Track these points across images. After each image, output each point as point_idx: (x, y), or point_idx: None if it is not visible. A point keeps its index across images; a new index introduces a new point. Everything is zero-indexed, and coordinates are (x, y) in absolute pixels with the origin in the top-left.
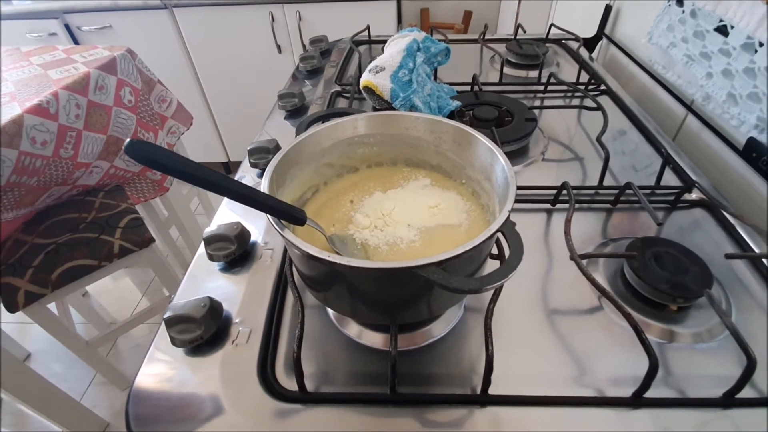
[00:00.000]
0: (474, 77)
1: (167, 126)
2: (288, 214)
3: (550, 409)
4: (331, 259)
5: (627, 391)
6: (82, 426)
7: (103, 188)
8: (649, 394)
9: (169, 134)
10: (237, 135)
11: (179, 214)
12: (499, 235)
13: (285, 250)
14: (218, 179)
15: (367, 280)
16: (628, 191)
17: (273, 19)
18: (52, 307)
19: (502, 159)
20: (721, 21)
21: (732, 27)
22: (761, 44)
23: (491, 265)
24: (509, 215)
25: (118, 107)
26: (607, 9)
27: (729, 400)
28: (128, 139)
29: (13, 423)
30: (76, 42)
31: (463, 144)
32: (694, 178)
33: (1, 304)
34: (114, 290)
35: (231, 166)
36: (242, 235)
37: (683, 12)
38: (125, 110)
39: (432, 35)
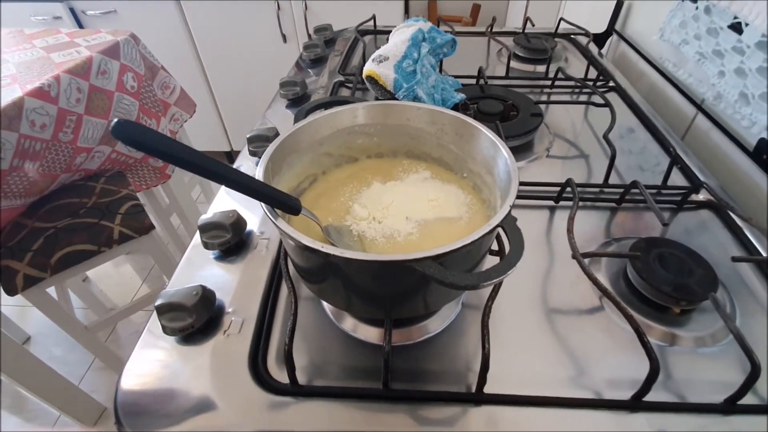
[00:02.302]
0: (480, 70)
1: (170, 113)
2: (282, 203)
3: (547, 410)
4: (324, 250)
5: (626, 394)
6: (80, 410)
7: (104, 173)
8: (649, 397)
9: (171, 121)
10: (240, 124)
11: (180, 202)
12: (500, 231)
13: (281, 240)
14: (210, 164)
15: (361, 272)
16: (633, 190)
17: (279, 8)
18: (51, 291)
19: (504, 152)
20: (735, 18)
21: (747, 24)
22: None
23: (491, 262)
24: (511, 210)
25: (121, 92)
26: (619, 4)
27: (730, 407)
28: (115, 119)
29: (11, 405)
30: (80, 26)
31: (465, 136)
32: (701, 178)
33: (1, 287)
34: (114, 276)
35: (233, 155)
36: (238, 223)
37: (697, 8)
38: (128, 96)
39: (439, 26)
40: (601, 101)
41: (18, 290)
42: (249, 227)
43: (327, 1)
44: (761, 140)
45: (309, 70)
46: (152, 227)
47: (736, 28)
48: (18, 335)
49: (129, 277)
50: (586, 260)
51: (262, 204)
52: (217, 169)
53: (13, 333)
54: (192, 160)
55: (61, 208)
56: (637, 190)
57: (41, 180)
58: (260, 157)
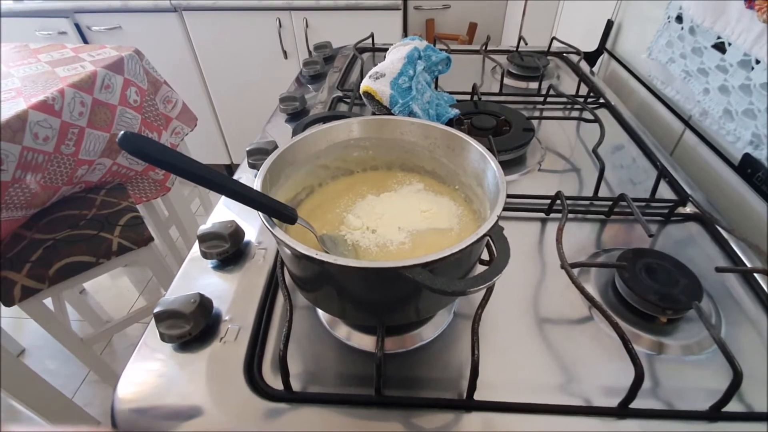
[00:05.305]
0: (474, 87)
1: (171, 126)
2: (279, 212)
3: (536, 417)
4: (319, 257)
5: (614, 401)
6: (73, 424)
7: (105, 186)
8: (637, 404)
9: (173, 135)
10: (240, 138)
11: (179, 215)
12: (490, 241)
13: (278, 250)
14: (210, 175)
15: (354, 279)
16: (621, 203)
17: (280, 25)
18: (48, 302)
19: (493, 164)
20: (719, 38)
21: (729, 44)
22: (757, 61)
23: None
24: (498, 220)
25: (123, 106)
26: (609, 24)
27: (715, 414)
28: (122, 132)
29: (4, 418)
30: (85, 41)
31: (456, 149)
32: (688, 192)
33: None
34: (111, 288)
35: (233, 168)
36: (236, 233)
37: (682, 28)
38: (130, 110)
39: (435, 45)
40: (592, 117)
41: (15, 301)
42: (247, 238)
43: (327, 19)
44: (745, 155)
45: (309, 85)
46: (151, 239)
47: (720, 47)
48: (13, 347)
49: (126, 289)
50: (576, 270)
51: (260, 213)
52: (217, 179)
53: (8, 345)
54: (193, 170)
55: (61, 220)
56: (625, 203)
57: (42, 192)
58: (259, 170)
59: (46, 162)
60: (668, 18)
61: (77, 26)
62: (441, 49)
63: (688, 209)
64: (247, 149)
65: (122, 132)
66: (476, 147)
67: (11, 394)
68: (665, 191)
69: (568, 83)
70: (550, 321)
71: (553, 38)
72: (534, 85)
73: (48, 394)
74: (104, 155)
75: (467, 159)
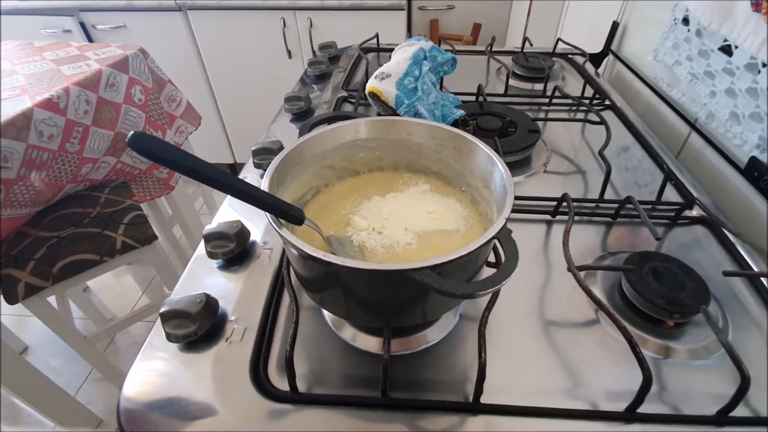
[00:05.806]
0: (479, 88)
1: (175, 125)
2: (286, 213)
3: (543, 420)
4: (326, 258)
5: (621, 406)
6: (76, 422)
7: (109, 184)
8: (644, 409)
9: (177, 133)
10: (244, 137)
11: (183, 213)
12: (497, 243)
13: (283, 251)
14: (218, 175)
15: (361, 281)
16: (628, 205)
17: (285, 25)
18: (52, 300)
19: (500, 166)
20: (725, 41)
21: (736, 47)
22: (764, 65)
23: (488, 274)
24: (506, 222)
25: (128, 105)
26: (614, 26)
27: (722, 418)
28: (132, 132)
29: (7, 416)
30: (90, 40)
31: (463, 151)
32: (695, 195)
33: (1, 296)
34: (115, 286)
35: (237, 168)
36: (242, 233)
37: (689, 31)
38: (135, 108)
39: (440, 45)
40: (597, 119)
41: (19, 299)
42: (252, 237)
43: (332, 20)
44: (752, 158)
45: (313, 85)
46: (155, 238)
47: (726, 50)
48: (16, 345)
49: (129, 287)
50: (582, 273)
51: (267, 214)
52: (224, 179)
53: (11, 342)
54: (201, 169)
55: (65, 218)
56: (631, 206)
57: (47, 190)
58: (264, 169)
59: (50, 160)
60: (674, 20)
61: (82, 25)
62: (446, 50)
63: (695, 212)
64: (253, 149)
65: (131, 132)
66: (483, 149)
67: (14, 392)
68: (671, 194)
69: (574, 85)
70: (556, 324)
71: (558, 39)
72: (539, 86)
73: (51, 392)
74: (108, 153)
75: (474, 161)
